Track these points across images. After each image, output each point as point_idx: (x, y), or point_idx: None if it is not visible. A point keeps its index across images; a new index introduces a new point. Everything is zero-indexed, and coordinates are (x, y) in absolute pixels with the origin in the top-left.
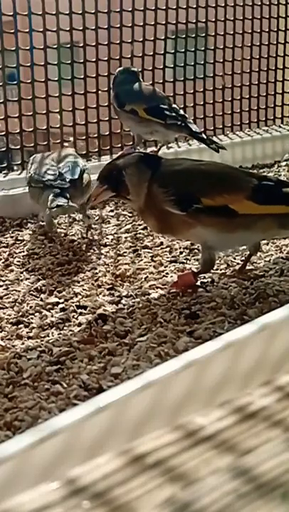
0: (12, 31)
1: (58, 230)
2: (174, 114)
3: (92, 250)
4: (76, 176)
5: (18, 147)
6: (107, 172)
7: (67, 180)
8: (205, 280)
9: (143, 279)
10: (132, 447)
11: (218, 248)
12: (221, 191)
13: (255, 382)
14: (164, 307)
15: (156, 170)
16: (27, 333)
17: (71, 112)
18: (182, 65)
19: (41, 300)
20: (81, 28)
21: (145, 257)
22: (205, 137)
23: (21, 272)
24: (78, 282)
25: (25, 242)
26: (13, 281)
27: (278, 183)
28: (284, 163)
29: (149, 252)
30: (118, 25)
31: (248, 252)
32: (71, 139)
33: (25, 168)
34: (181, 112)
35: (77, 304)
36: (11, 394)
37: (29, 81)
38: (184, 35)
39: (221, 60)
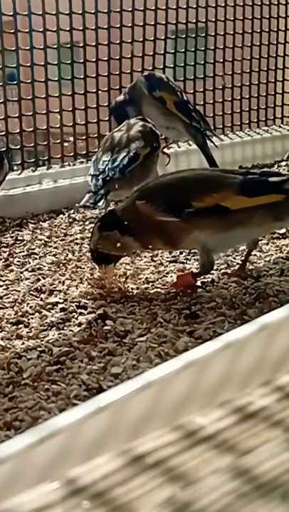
0: (12, 31)
1: (58, 230)
2: (197, 117)
3: None
4: (116, 174)
5: (18, 147)
6: (94, 256)
7: (99, 182)
8: (205, 280)
9: (143, 279)
10: (132, 447)
11: (217, 249)
12: (208, 191)
13: (255, 382)
14: (164, 307)
15: (118, 223)
16: (27, 333)
17: (71, 112)
18: (182, 65)
19: (41, 300)
20: (81, 28)
21: (145, 257)
22: (211, 155)
23: (21, 272)
24: (78, 282)
25: (25, 242)
26: (13, 281)
27: (263, 174)
28: (284, 163)
29: (149, 252)
30: (118, 25)
31: (247, 250)
32: (71, 138)
33: None
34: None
35: (77, 304)
36: (11, 394)
37: (29, 81)
38: (184, 35)
39: (221, 60)
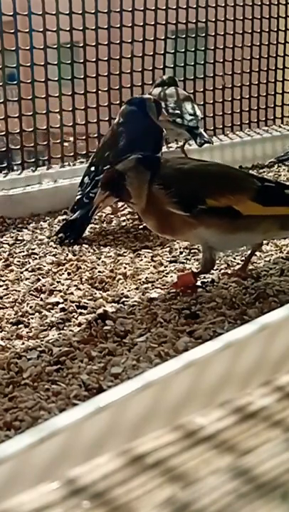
0: (12, 31)
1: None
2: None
3: (92, 250)
4: None
5: (18, 147)
6: (107, 178)
7: None
8: (205, 280)
9: (143, 279)
10: (132, 447)
11: (218, 248)
12: (225, 192)
13: (255, 382)
14: (164, 307)
15: (155, 171)
16: (27, 333)
17: (71, 112)
18: (182, 65)
19: (41, 300)
20: (81, 28)
21: (145, 257)
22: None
23: (21, 272)
24: (78, 282)
25: (25, 242)
26: (13, 281)
27: (279, 185)
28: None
29: (149, 252)
30: (118, 25)
31: (250, 251)
32: (71, 139)
33: None
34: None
35: (77, 304)
36: (11, 394)
37: (29, 81)
38: (184, 35)
39: (221, 60)
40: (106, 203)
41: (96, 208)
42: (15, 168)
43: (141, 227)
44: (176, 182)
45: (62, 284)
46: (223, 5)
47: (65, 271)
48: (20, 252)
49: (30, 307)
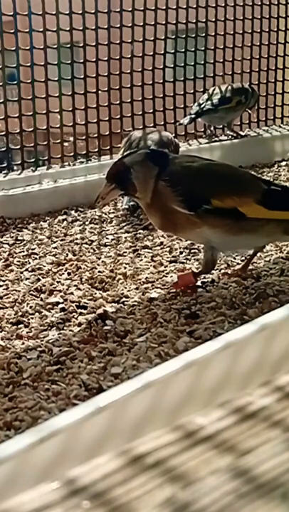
0: (12, 31)
1: (58, 230)
2: None
3: (92, 250)
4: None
5: (18, 147)
6: (114, 171)
7: None
8: (205, 280)
9: (143, 279)
10: (132, 447)
11: (220, 249)
12: (231, 193)
13: (255, 382)
14: (164, 307)
15: (164, 167)
16: (27, 333)
17: (71, 112)
18: (182, 65)
19: (41, 300)
20: (81, 28)
21: (145, 257)
22: None
23: (21, 272)
24: (78, 282)
25: (25, 242)
26: (13, 281)
27: (284, 189)
28: (284, 163)
29: (149, 252)
30: (118, 25)
31: (252, 251)
32: (71, 139)
33: None
34: None
35: (77, 304)
36: (11, 394)
37: (29, 81)
38: (184, 35)
39: (221, 60)
40: (111, 195)
41: (100, 199)
42: (15, 168)
43: (141, 227)
44: (183, 180)
45: (63, 284)
46: (223, 5)
47: (65, 271)
48: (20, 252)
49: (30, 307)
